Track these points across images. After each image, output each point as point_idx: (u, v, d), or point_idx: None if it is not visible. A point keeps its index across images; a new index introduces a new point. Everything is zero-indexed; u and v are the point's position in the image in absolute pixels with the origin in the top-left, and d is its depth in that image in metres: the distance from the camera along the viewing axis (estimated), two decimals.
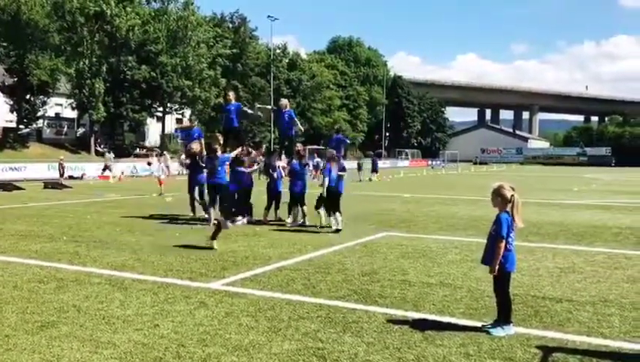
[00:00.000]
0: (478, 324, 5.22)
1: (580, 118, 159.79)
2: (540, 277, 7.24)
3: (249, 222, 12.43)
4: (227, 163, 12.25)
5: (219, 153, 12.10)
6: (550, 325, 5.28)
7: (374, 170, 35.25)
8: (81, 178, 33.55)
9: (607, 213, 15.55)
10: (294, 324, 5.19)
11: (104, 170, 34.26)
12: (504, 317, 5.04)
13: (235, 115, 13.24)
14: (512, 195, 5.01)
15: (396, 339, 4.82)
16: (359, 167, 35.50)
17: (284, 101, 13.58)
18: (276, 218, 12.85)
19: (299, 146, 13.11)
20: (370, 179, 33.23)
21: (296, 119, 13.38)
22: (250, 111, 13.89)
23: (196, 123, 14.28)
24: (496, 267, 4.97)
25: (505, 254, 5.00)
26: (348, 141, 14.65)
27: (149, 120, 56.19)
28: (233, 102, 13.44)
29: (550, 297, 6.27)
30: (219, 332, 4.95)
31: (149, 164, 35.84)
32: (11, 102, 43.13)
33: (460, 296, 6.26)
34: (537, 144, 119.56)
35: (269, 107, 14.29)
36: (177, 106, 55.66)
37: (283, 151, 13.62)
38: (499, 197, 5.07)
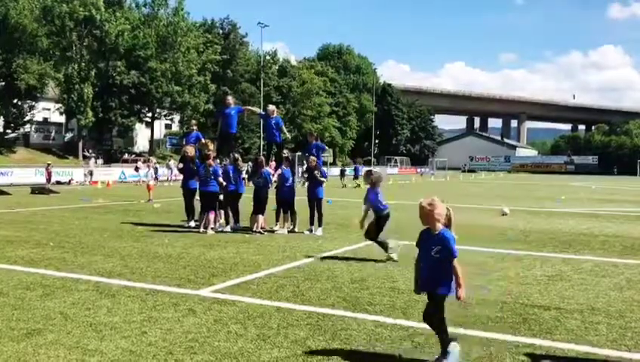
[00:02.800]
0: (468, 332, 5.24)
1: (568, 126, 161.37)
2: (528, 285, 7.28)
3: (234, 230, 12.35)
4: (219, 174, 12.20)
5: (211, 161, 12.10)
6: (538, 332, 5.31)
7: (356, 176, 38.06)
8: (69, 183, 33.30)
9: (594, 221, 15.68)
10: (283, 332, 5.18)
11: (91, 175, 34.21)
12: (444, 343, 4.50)
13: (234, 120, 13.26)
14: (448, 208, 4.55)
15: (385, 347, 4.82)
16: (342, 174, 39.48)
17: (271, 107, 13.66)
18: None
19: (286, 153, 13.13)
20: (357, 185, 34.52)
21: (283, 127, 13.48)
22: (258, 110, 13.96)
23: (195, 127, 14.34)
24: (462, 291, 4.49)
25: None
26: (326, 147, 14.75)
27: (137, 125, 55.89)
28: (232, 106, 13.41)
29: (538, 305, 6.30)
30: (207, 339, 4.92)
31: (137, 169, 35.71)
32: None
33: (448, 304, 6.26)
34: (525, 152, 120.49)
35: (258, 111, 14.25)
36: (166, 112, 55.43)
37: (272, 158, 13.61)
38: (434, 213, 4.50)
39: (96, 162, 36.95)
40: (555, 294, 6.83)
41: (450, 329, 5.29)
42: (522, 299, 6.56)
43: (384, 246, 8.96)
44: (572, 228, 13.89)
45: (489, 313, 5.93)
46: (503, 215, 16.65)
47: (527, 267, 8.55)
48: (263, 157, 12.74)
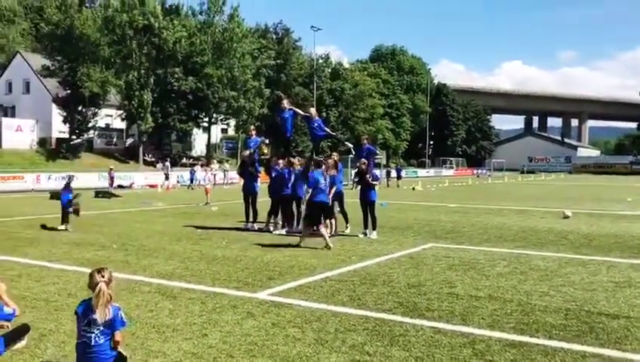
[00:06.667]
0: (531, 340, 5.08)
1: (633, 125, 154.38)
2: (594, 292, 7.00)
3: (289, 233, 12.47)
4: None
5: (297, 166, 12.21)
6: (607, 342, 5.09)
7: (399, 177, 42.72)
8: (130, 187, 34.41)
9: None
10: (341, 336, 5.17)
11: (166, 179, 35.29)
12: None
13: (290, 123, 13.43)
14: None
15: (445, 354, 4.73)
16: (388, 174, 42.88)
17: (313, 110, 13.82)
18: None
19: (334, 156, 13.10)
20: (397, 185, 39.21)
21: (326, 128, 13.69)
22: (301, 112, 14.04)
23: (254, 133, 14.67)
24: None
25: None
26: (377, 151, 14.76)
27: (195, 130, 57.19)
28: (287, 109, 13.54)
29: (606, 313, 6.04)
30: (266, 343, 4.97)
31: (194, 171, 36.34)
32: (64, 114, 44.65)
33: (510, 310, 6.11)
34: (587, 152, 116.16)
35: (302, 113, 14.16)
36: (223, 116, 56.46)
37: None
38: None
39: (168, 166, 38.04)
40: (623, 301, 6.54)
41: (513, 337, 5.17)
42: (588, 306, 6.32)
43: None
44: None
45: (553, 320, 5.73)
46: (565, 218, 16.10)
47: (593, 273, 8.23)
48: (337, 158, 12.79)
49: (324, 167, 11.59)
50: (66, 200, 13.22)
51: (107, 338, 3.86)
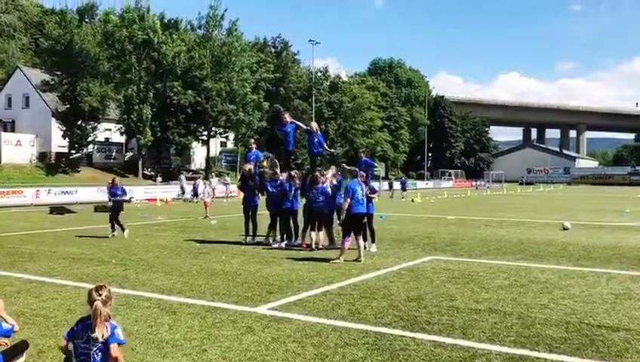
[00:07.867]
0: (531, 354, 5.07)
1: (631, 136, 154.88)
2: (594, 304, 6.99)
3: (288, 246, 12.49)
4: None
5: (297, 180, 12.68)
6: (607, 355, 5.08)
7: (404, 189, 43.14)
8: (129, 201, 34.33)
9: None
10: (341, 351, 5.15)
11: (183, 193, 35.34)
12: None
13: (292, 137, 13.52)
14: None
15: None
16: (390, 186, 44.49)
17: (314, 125, 13.89)
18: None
19: (333, 169, 13.20)
20: (402, 197, 39.54)
21: (324, 144, 13.72)
22: (303, 126, 14.09)
23: (254, 146, 14.70)
24: None
25: None
26: (375, 164, 14.76)
27: (194, 143, 57.30)
28: (289, 123, 13.61)
29: (606, 325, 6.04)
30: (266, 358, 4.95)
31: (197, 185, 36.29)
32: (64, 128, 44.73)
33: (511, 323, 6.10)
34: (585, 163, 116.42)
35: (304, 127, 14.26)
36: (222, 130, 56.60)
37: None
38: None
39: (184, 178, 38.10)
40: (623, 314, 6.53)
41: (513, 351, 5.17)
42: (588, 318, 6.31)
43: None
44: (639, 243, 13.27)
45: (553, 333, 5.73)
46: (564, 229, 16.10)
47: (592, 285, 8.22)
48: (318, 173, 12.82)
49: (360, 177, 11.56)
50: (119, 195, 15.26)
51: (105, 355, 3.86)
